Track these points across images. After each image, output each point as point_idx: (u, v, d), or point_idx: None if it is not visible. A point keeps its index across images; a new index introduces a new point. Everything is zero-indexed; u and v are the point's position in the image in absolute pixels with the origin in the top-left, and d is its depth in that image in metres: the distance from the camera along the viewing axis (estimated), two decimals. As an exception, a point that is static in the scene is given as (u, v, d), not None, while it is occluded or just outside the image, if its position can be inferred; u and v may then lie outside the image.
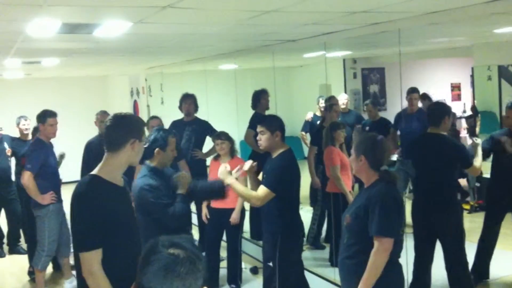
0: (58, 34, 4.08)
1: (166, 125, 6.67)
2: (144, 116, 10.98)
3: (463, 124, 10.05)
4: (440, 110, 4.73)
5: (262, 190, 4.00)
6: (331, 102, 6.70)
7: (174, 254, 1.51)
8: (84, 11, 3.36)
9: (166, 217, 3.65)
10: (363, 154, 3.20)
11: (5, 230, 7.30)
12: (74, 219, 2.65)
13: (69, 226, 5.39)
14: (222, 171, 4.01)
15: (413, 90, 6.79)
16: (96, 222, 2.54)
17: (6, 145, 6.86)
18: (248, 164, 4.15)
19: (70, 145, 8.16)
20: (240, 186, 4.08)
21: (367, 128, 7.02)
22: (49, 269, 6.11)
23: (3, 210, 7.10)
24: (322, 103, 7.23)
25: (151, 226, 3.60)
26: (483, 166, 5.05)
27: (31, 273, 6.13)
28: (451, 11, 3.88)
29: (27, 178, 5.23)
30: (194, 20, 3.95)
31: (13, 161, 6.91)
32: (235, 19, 3.97)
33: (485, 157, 5.03)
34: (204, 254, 5.66)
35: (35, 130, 6.11)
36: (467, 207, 7.80)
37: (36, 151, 5.38)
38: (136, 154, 2.72)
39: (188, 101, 6.64)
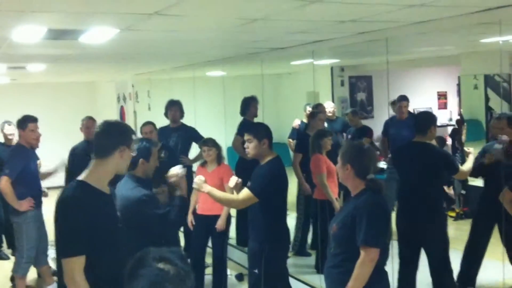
0: (43, 40, 4.05)
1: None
2: (130, 122, 10.94)
3: (449, 132, 10.13)
4: (426, 119, 4.81)
5: (245, 192, 3.99)
6: (318, 109, 6.72)
7: (163, 270, 1.46)
8: (70, 17, 3.34)
9: (164, 225, 3.63)
10: (349, 163, 3.19)
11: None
12: (59, 224, 2.61)
13: (48, 233, 5.40)
14: (197, 181, 4.02)
15: (402, 98, 6.83)
16: (81, 228, 2.50)
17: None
18: (233, 181, 4.13)
19: (56, 151, 8.07)
20: (218, 192, 4.08)
21: (350, 136, 7.08)
22: (34, 275, 6.05)
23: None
24: (309, 110, 7.25)
25: (138, 237, 3.53)
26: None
27: (14, 279, 6.03)
28: (438, 21, 3.91)
29: (4, 184, 5.14)
30: (182, 28, 3.94)
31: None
32: (223, 27, 3.97)
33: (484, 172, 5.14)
34: (189, 260, 5.67)
35: None
36: (453, 214, 7.83)
37: (16, 157, 5.32)
38: (124, 162, 2.70)
39: (174, 108, 6.64)
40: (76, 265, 2.50)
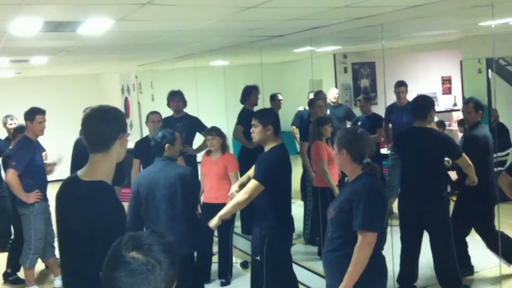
0: (41, 33, 4.08)
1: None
2: (135, 113, 10.99)
3: (454, 117, 10.10)
4: (425, 104, 4.78)
5: (251, 184, 4.03)
6: (319, 96, 6.71)
7: (134, 258, 1.42)
8: (64, 9, 3.36)
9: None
10: (344, 148, 3.23)
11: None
12: (93, 236, 2.19)
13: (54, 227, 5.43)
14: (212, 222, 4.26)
15: (400, 84, 6.79)
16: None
17: (-5, 144, 6.87)
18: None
19: (61, 144, 8.15)
20: (226, 209, 4.20)
21: (359, 123, 7.03)
22: (41, 266, 6.12)
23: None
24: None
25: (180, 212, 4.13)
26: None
27: (8, 274, 5.98)
28: (433, 5, 3.89)
29: (11, 176, 5.20)
30: (176, 17, 3.96)
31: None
32: (216, 15, 3.97)
33: None
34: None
35: (19, 129, 6.01)
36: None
37: (23, 149, 5.35)
38: (124, 149, 2.45)
39: (176, 98, 6.66)
40: None
